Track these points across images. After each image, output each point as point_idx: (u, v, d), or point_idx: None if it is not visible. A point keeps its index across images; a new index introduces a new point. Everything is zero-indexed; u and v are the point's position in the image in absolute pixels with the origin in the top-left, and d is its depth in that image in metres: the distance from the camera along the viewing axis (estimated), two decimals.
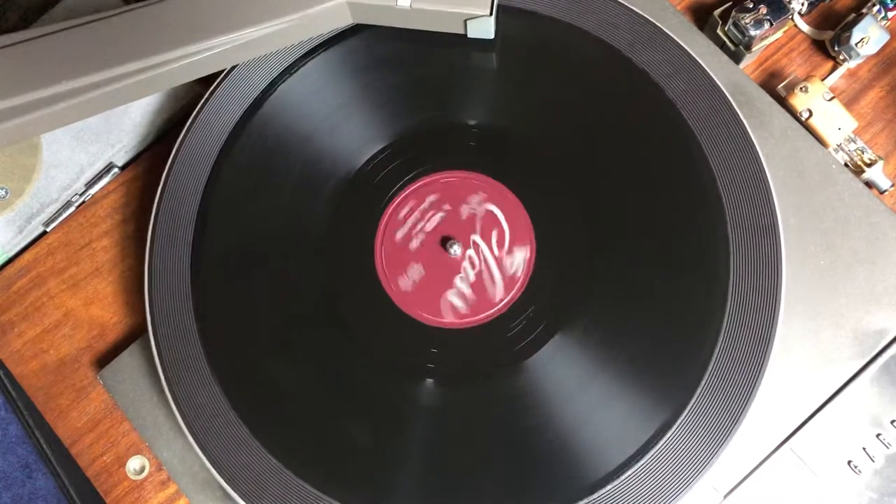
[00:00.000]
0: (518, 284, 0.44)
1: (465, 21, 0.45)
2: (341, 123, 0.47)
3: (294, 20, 0.44)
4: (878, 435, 0.43)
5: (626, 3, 0.47)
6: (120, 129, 0.50)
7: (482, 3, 0.45)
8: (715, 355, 0.41)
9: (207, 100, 0.47)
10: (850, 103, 0.49)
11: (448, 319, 0.44)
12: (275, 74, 0.48)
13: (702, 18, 0.51)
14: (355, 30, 0.48)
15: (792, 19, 0.49)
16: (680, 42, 0.46)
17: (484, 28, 0.46)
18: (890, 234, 0.45)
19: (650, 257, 0.43)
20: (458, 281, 0.44)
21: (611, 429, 0.41)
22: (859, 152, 0.47)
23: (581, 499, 0.40)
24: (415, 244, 0.45)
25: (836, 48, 0.49)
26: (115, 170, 0.50)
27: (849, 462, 0.42)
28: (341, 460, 0.42)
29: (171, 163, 0.47)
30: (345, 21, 0.46)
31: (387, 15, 0.46)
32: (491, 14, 0.45)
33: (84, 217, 0.50)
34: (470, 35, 0.46)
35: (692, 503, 0.42)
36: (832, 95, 0.46)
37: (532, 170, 0.46)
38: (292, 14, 0.44)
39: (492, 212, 0.45)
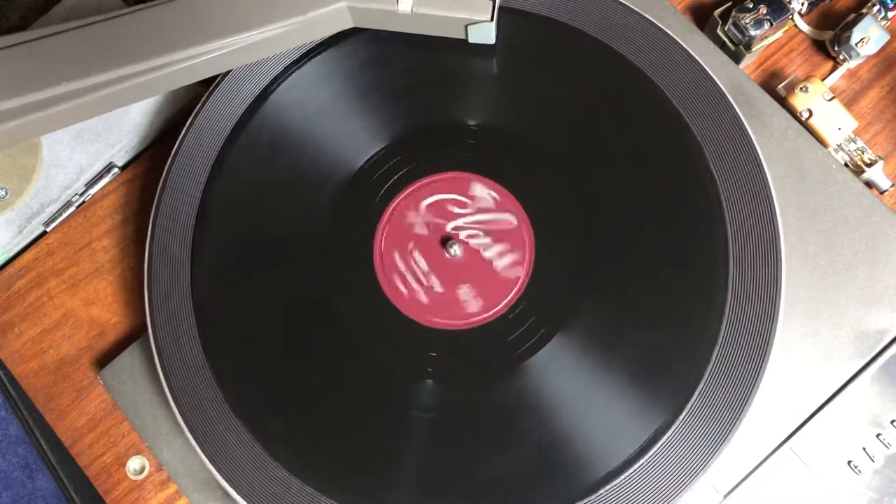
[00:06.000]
0: (518, 285, 0.44)
1: (466, 26, 0.45)
2: (341, 124, 0.47)
3: (294, 24, 0.44)
4: (878, 435, 0.43)
5: (625, 3, 0.47)
6: (120, 129, 0.50)
7: (483, 8, 0.44)
8: (715, 355, 0.41)
9: (208, 100, 0.47)
10: (850, 103, 0.49)
11: (447, 320, 0.44)
12: (275, 74, 0.48)
13: (702, 18, 0.51)
14: (355, 30, 0.48)
15: (792, 19, 0.49)
16: (680, 42, 0.46)
17: (485, 33, 0.46)
18: (890, 234, 0.45)
19: (650, 257, 0.43)
20: (457, 281, 0.44)
21: (611, 428, 0.41)
22: (859, 152, 0.47)
23: (581, 499, 0.40)
24: (414, 244, 0.45)
25: (836, 48, 0.49)
26: (115, 170, 0.50)
27: (849, 462, 0.42)
28: (341, 460, 0.42)
29: (170, 163, 0.47)
30: (345, 24, 0.46)
31: (388, 19, 0.46)
32: (492, 20, 0.45)
33: (84, 217, 0.50)
34: (471, 40, 0.46)
35: (692, 503, 0.42)
36: (832, 95, 0.46)
37: (532, 170, 0.46)
38: (293, 18, 0.44)
39: (491, 211, 0.45)
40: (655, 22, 0.47)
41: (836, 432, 0.43)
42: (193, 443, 0.42)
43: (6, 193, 0.49)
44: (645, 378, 0.42)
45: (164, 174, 0.47)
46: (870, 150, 0.47)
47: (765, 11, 0.47)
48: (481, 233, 0.45)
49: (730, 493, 0.42)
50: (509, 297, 0.44)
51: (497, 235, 0.45)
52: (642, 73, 0.46)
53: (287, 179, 0.46)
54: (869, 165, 0.47)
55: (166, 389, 0.43)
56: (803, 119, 0.47)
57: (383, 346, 0.44)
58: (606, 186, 0.45)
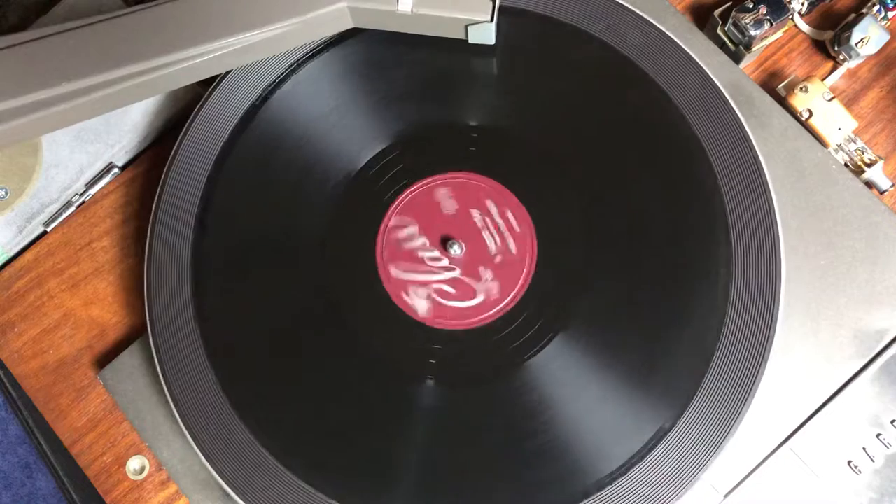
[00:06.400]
0: (519, 285, 0.44)
1: (466, 27, 0.45)
2: (341, 124, 0.47)
3: (295, 24, 0.44)
4: (878, 435, 0.43)
5: (625, 4, 0.47)
6: (120, 129, 0.50)
7: (483, 9, 0.44)
8: (715, 355, 0.41)
9: (207, 100, 0.47)
10: (850, 103, 0.49)
11: (449, 320, 0.44)
12: (275, 75, 0.48)
13: (702, 18, 0.51)
14: (356, 31, 0.48)
15: (792, 19, 0.49)
16: (680, 42, 0.46)
17: (485, 34, 0.46)
18: (890, 234, 0.45)
19: (650, 258, 0.43)
20: (458, 281, 0.44)
21: (611, 429, 0.41)
22: (859, 152, 0.47)
23: (581, 499, 0.40)
24: (415, 244, 0.45)
25: (836, 48, 0.49)
26: (115, 170, 0.50)
27: (849, 462, 0.42)
28: (342, 460, 0.42)
29: (170, 163, 0.47)
30: (345, 25, 0.46)
31: (388, 20, 0.46)
32: (492, 20, 0.45)
33: (84, 217, 0.50)
34: (471, 41, 0.46)
35: (692, 503, 0.42)
36: (832, 95, 0.46)
37: (533, 171, 0.46)
38: (293, 18, 0.44)
39: (492, 212, 0.45)
40: (655, 22, 0.47)
41: (836, 432, 0.43)
42: (193, 443, 0.42)
43: (6, 193, 0.49)
44: (646, 378, 0.42)
45: (164, 174, 0.47)
46: (870, 150, 0.47)
47: (765, 11, 0.47)
48: (482, 232, 0.45)
49: (730, 493, 0.42)
50: (510, 296, 0.44)
51: (498, 235, 0.45)
52: (642, 73, 0.46)
53: (287, 179, 0.46)
54: (869, 165, 0.47)
55: (166, 389, 0.43)
56: (803, 119, 0.47)
57: (384, 346, 0.44)
58: (607, 187, 0.45)
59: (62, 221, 0.49)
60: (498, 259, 0.45)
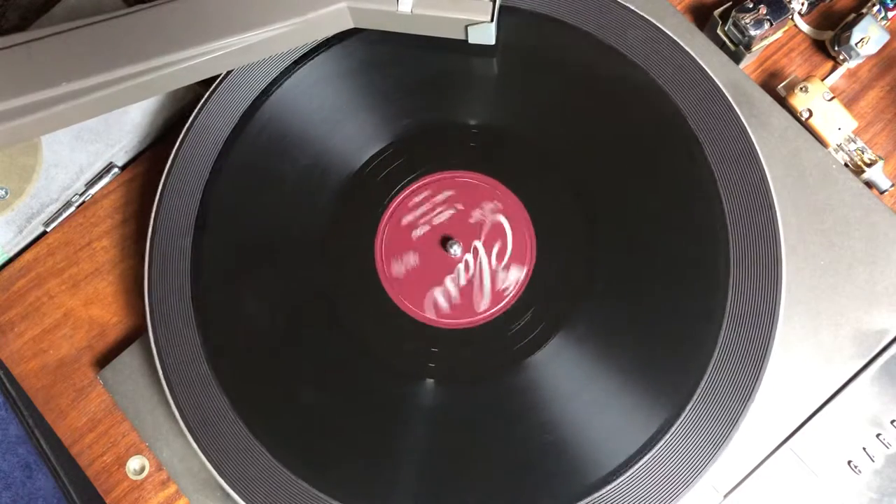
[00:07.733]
0: (519, 284, 0.44)
1: (466, 27, 0.45)
2: (341, 123, 0.47)
3: (295, 24, 0.44)
4: (878, 435, 0.43)
5: (625, 4, 0.47)
6: (120, 129, 0.50)
7: (483, 9, 0.44)
8: (715, 355, 0.41)
9: (208, 100, 0.47)
10: (850, 103, 0.49)
11: (448, 319, 0.44)
12: (275, 74, 0.48)
13: (702, 18, 0.51)
14: (356, 31, 0.48)
15: (792, 19, 0.49)
16: (680, 42, 0.46)
17: (485, 34, 0.46)
18: (890, 234, 0.45)
19: (650, 257, 0.43)
20: (456, 281, 0.44)
21: (611, 429, 0.41)
22: (859, 152, 0.47)
23: (581, 499, 0.40)
24: (415, 244, 0.45)
25: (836, 48, 0.49)
26: (115, 170, 0.50)
27: (849, 462, 0.42)
28: (341, 460, 0.42)
29: (171, 163, 0.47)
30: (346, 25, 0.46)
31: (388, 20, 0.46)
32: (492, 21, 0.45)
33: (84, 217, 0.50)
34: (471, 41, 0.46)
35: (692, 503, 0.42)
36: (832, 95, 0.46)
37: (532, 170, 0.46)
38: (294, 18, 0.44)
39: (492, 211, 0.45)
40: (655, 22, 0.47)
41: (836, 432, 0.43)
42: (193, 443, 0.42)
43: (6, 193, 0.49)
44: (646, 378, 0.42)
45: (164, 174, 0.47)
46: (870, 150, 0.47)
47: (765, 11, 0.47)
48: (482, 232, 0.45)
49: (730, 493, 0.42)
50: (510, 296, 0.44)
51: (498, 234, 0.45)
52: (642, 72, 0.46)
53: (287, 179, 0.46)
54: (869, 165, 0.47)
55: (166, 389, 0.43)
56: (803, 119, 0.47)
57: (385, 345, 0.44)
58: (607, 186, 0.45)
59: (62, 221, 0.49)
60: (497, 258, 0.45)
